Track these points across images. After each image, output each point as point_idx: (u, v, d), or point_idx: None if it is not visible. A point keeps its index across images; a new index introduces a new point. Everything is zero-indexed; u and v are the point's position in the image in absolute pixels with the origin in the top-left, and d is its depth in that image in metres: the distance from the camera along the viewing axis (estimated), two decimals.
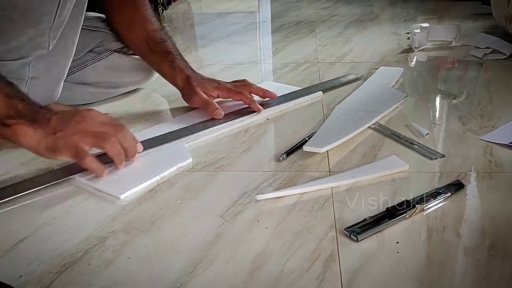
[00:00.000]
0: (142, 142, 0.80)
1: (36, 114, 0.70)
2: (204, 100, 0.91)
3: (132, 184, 0.71)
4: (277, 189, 0.69)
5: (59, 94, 0.90)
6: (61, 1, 0.80)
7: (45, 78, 0.85)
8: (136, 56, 1.05)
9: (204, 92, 0.93)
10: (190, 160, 0.78)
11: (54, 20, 0.80)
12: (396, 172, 0.72)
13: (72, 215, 0.66)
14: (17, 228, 0.63)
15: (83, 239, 0.60)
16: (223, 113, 0.89)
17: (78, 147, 0.69)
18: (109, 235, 0.61)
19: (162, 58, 0.98)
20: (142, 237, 0.60)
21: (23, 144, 0.70)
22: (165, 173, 0.74)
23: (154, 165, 0.76)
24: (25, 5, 0.76)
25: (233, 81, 0.98)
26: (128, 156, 0.74)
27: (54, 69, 0.86)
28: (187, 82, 0.94)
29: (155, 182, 0.73)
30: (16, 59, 0.80)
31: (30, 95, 0.83)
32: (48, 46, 0.82)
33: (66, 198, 0.70)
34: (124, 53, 1.04)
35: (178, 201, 0.68)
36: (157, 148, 0.81)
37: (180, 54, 0.99)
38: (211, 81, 0.96)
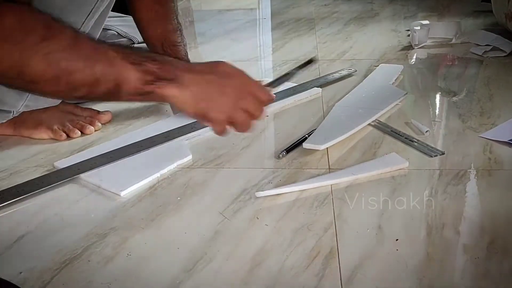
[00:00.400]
0: (143, 141, 0.81)
1: (169, 72, 0.65)
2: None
3: (132, 181, 0.71)
4: (277, 186, 0.69)
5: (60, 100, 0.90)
6: (96, 5, 0.81)
7: None
8: None
9: None
10: (190, 157, 0.78)
11: (84, 20, 0.80)
12: (395, 170, 0.72)
13: (72, 212, 0.66)
14: (17, 225, 0.63)
15: (83, 236, 0.60)
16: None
17: (224, 121, 0.67)
18: (109, 232, 0.61)
19: None
20: (142, 234, 0.60)
21: (176, 103, 0.66)
22: (165, 170, 0.75)
23: (154, 162, 0.76)
24: (63, 7, 0.77)
25: None
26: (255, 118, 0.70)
27: None
28: None
29: (155, 179, 0.73)
30: None
31: (35, 97, 0.83)
32: None
33: (66, 195, 0.70)
34: None
35: (178, 198, 0.68)
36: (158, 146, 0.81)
37: (188, 62, 0.98)
38: None
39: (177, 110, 0.75)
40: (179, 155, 0.78)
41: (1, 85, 0.66)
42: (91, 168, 0.75)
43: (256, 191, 0.67)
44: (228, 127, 0.68)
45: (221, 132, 0.68)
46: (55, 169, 0.76)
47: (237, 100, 0.68)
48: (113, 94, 0.63)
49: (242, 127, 0.68)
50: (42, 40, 0.58)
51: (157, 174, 0.74)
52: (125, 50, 0.65)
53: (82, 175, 0.73)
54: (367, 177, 0.70)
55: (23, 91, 0.66)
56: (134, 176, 0.72)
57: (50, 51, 0.58)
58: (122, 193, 0.69)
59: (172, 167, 0.76)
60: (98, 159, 0.78)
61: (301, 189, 0.68)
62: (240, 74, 0.70)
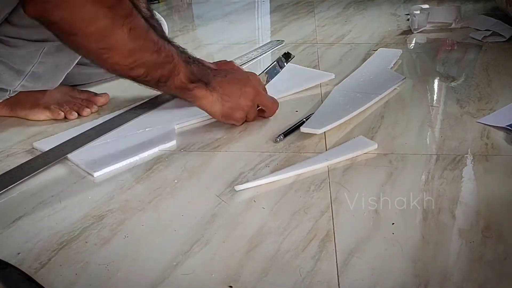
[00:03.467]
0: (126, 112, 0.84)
1: (208, 76, 0.76)
2: None
3: (109, 163, 0.71)
4: (274, 170, 0.69)
5: (59, 82, 0.89)
6: None
7: (52, 66, 0.85)
8: None
9: None
10: (174, 142, 0.78)
11: None
12: (365, 152, 0.72)
13: (68, 193, 0.66)
14: (14, 206, 0.63)
15: (80, 217, 0.60)
16: None
17: (243, 119, 0.81)
18: (106, 213, 0.61)
19: None
20: (139, 216, 0.61)
21: (204, 107, 0.78)
22: (145, 154, 0.74)
23: (136, 145, 0.76)
24: None
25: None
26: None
27: (63, 59, 0.86)
28: None
29: (133, 162, 0.73)
30: (34, 40, 0.79)
31: (33, 78, 0.83)
32: None
33: (62, 177, 0.70)
34: None
35: (175, 181, 0.68)
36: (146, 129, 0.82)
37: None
38: None
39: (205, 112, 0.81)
40: (163, 140, 0.78)
41: (68, 47, 0.69)
42: (75, 148, 0.75)
43: (239, 185, 0.65)
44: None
45: (238, 125, 0.81)
46: (39, 151, 0.76)
47: (254, 99, 0.79)
48: (161, 82, 0.72)
49: (253, 120, 0.83)
50: (129, 15, 0.65)
51: (136, 158, 0.73)
52: (179, 47, 0.75)
53: (70, 155, 0.74)
54: (347, 161, 0.70)
55: (91, 57, 0.69)
56: (112, 158, 0.72)
57: (134, 27, 0.65)
58: (96, 174, 0.69)
59: (153, 151, 0.75)
60: (84, 136, 0.79)
61: (274, 179, 0.66)
62: (251, 75, 0.81)
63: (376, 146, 0.73)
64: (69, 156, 0.74)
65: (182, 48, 0.76)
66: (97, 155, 0.74)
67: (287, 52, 0.97)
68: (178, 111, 0.87)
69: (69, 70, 0.89)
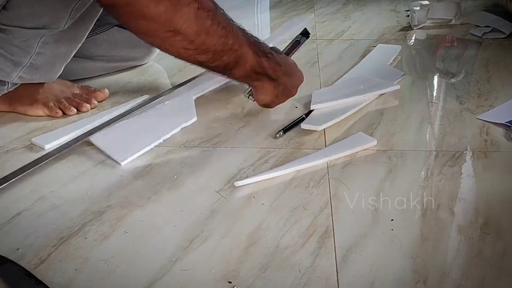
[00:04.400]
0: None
1: (276, 72, 0.77)
2: None
3: (134, 150, 0.73)
4: (274, 166, 0.69)
5: (58, 75, 0.89)
6: None
7: (50, 57, 0.84)
8: None
9: None
10: (195, 118, 0.81)
11: (79, 0, 0.79)
12: (365, 149, 0.72)
13: (68, 189, 0.66)
14: (13, 202, 0.63)
15: (80, 213, 0.60)
16: None
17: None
18: (105, 209, 0.61)
19: None
20: (139, 211, 0.61)
21: (260, 98, 0.80)
22: (168, 135, 0.77)
23: (157, 126, 0.79)
24: None
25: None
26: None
27: (61, 50, 0.85)
28: None
29: (152, 156, 0.73)
30: (30, 28, 0.79)
31: (31, 69, 0.83)
32: (65, 24, 0.81)
33: (62, 172, 0.70)
34: (125, 27, 1.03)
35: (175, 177, 0.68)
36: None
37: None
38: None
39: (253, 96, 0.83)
40: (184, 118, 0.80)
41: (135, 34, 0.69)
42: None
43: (235, 181, 0.65)
44: None
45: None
46: (38, 147, 0.77)
47: (291, 96, 0.83)
48: (227, 69, 0.72)
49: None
50: None
51: (160, 140, 0.75)
52: (251, 37, 0.74)
53: (94, 136, 0.76)
54: (346, 157, 0.70)
55: (157, 41, 0.69)
56: (136, 145, 0.74)
57: (200, 7, 0.64)
58: (123, 163, 0.70)
59: (176, 131, 0.78)
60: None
61: (269, 177, 0.66)
62: (301, 74, 0.83)
63: (375, 142, 0.73)
64: (93, 139, 0.75)
65: (250, 34, 0.75)
66: (120, 140, 0.75)
67: (305, 29, 0.97)
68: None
69: (68, 61, 0.88)
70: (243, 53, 0.71)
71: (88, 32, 0.89)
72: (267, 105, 0.83)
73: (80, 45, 0.89)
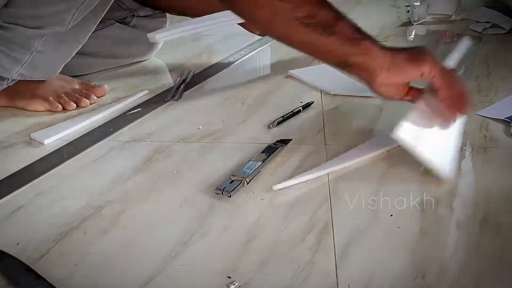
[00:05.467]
0: None
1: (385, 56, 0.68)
2: None
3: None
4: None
5: (58, 72, 0.89)
6: None
7: (50, 56, 0.84)
8: (137, 29, 1.04)
9: None
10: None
11: (83, 2, 0.79)
12: (392, 148, 0.71)
13: (68, 184, 0.66)
14: (13, 197, 0.63)
15: (79, 208, 0.60)
16: None
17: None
18: (105, 204, 0.61)
19: None
20: (138, 207, 0.61)
21: (369, 67, 0.68)
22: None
23: None
24: None
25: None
26: None
27: (62, 49, 0.85)
28: None
29: (152, 151, 0.73)
30: (32, 27, 0.79)
31: (31, 66, 0.83)
32: (68, 25, 0.81)
33: (61, 167, 0.70)
34: (126, 23, 1.03)
35: (174, 172, 0.68)
36: None
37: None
38: None
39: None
40: None
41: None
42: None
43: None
44: None
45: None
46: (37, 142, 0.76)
47: (427, 66, 0.68)
48: (327, 30, 0.65)
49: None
50: None
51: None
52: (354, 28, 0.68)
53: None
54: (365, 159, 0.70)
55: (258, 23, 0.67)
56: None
57: None
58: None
59: None
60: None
61: (301, 180, 0.64)
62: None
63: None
64: None
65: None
66: None
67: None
68: None
69: (68, 61, 0.88)
70: (338, 12, 0.67)
71: (90, 34, 0.89)
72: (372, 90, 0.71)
73: (81, 45, 0.90)
